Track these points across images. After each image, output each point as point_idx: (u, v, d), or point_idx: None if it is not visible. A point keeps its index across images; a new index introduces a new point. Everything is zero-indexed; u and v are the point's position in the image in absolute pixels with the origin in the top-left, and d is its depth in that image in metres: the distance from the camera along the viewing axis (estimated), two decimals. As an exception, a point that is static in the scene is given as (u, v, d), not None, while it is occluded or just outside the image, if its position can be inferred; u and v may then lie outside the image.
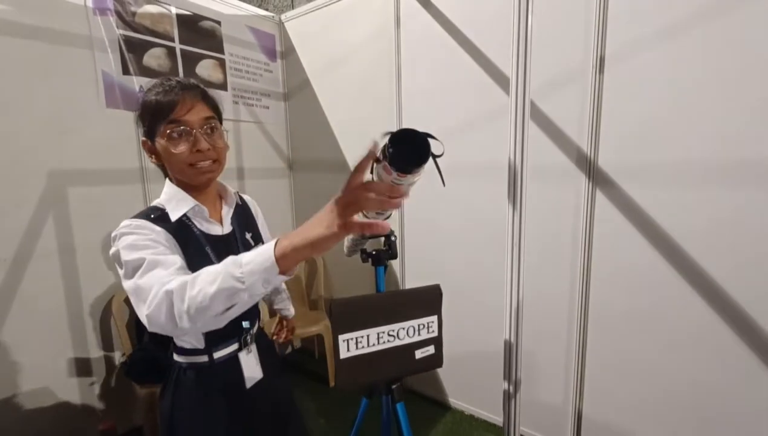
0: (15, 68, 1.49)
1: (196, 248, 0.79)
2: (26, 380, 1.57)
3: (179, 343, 0.83)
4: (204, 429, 0.84)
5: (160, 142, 0.76)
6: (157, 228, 0.74)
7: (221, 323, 0.58)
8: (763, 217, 1.19)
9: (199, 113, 0.76)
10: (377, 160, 0.50)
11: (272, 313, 1.26)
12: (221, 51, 2.17)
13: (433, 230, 1.96)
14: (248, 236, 0.91)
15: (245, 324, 0.88)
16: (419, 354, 0.90)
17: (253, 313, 0.91)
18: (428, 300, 0.92)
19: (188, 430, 0.84)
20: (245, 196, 1.00)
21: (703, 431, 1.36)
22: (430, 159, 0.51)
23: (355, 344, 0.84)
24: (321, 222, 0.49)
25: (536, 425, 1.75)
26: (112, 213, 1.69)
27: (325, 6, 2.19)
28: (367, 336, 0.85)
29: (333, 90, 2.28)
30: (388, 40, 1.95)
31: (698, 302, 1.32)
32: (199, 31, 2.06)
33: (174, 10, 1.94)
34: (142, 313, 0.61)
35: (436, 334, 0.92)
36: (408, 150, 0.48)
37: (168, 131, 0.74)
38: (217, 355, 0.84)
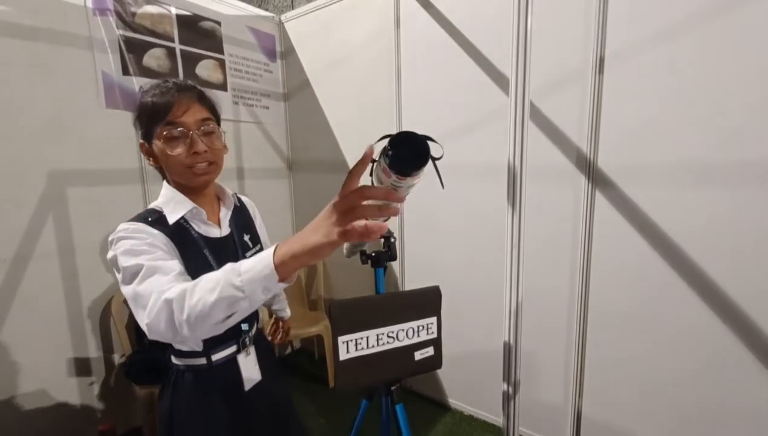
0: (15, 69, 1.49)
1: (194, 251, 0.78)
2: (26, 381, 1.58)
3: (177, 345, 0.83)
4: (203, 431, 0.84)
5: (157, 144, 0.76)
6: (155, 231, 0.73)
7: (221, 330, 0.58)
8: (762, 217, 1.19)
9: (195, 115, 0.75)
10: (373, 161, 0.50)
11: (272, 314, 1.26)
12: (221, 51, 2.17)
13: (433, 230, 1.96)
14: (246, 237, 0.91)
15: (244, 327, 0.88)
16: (418, 356, 0.90)
17: (251, 315, 0.91)
18: (428, 301, 0.92)
19: (187, 432, 0.84)
20: (243, 198, 0.99)
21: (703, 431, 1.36)
22: (430, 161, 0.51)
23: (354, 345, 0.84)
24: (319, 229, 0.48)
25: (536, 425, 1.75)
26: (112, 213, 1.70)
27: (325, 6, 2.19)
28: (367, 338, 0.85)
29: (333, 90, 2.28)
30: (388, 40, 1.95)
31: (697, 302, 1.32)
32: (199, 32, 2.06)
33: (174, 11, 1.94)
34: (142, 321, 0.60)
35: (435, 335, 0.92)
36: (407, 153, 0.48)
37: (164, 133, 0.74)
38: (215, 357, 0.84)
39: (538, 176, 1.55)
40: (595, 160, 1.46)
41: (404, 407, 1.05)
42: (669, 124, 1.31)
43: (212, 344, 0.82)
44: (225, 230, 0.86)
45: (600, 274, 1.51)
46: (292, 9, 2.49)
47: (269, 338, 1.23)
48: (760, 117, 1.17)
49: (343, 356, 0.83)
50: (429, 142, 0.49)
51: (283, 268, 0.51)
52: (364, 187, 0.46)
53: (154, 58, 1.89)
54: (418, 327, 0.90)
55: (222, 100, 2.20)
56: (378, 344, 0.86)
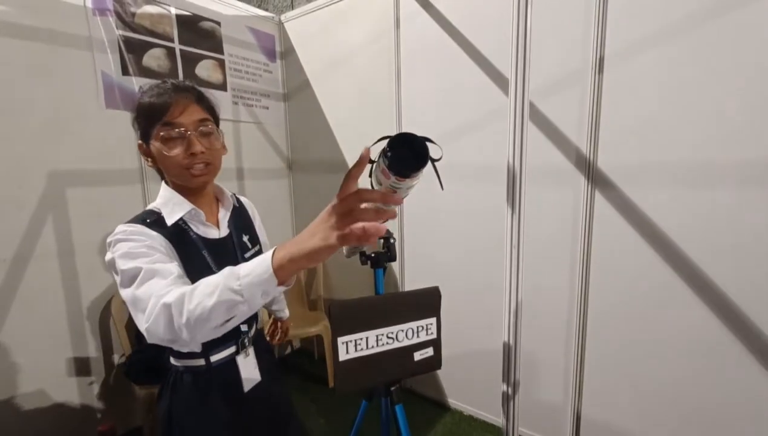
0: (15, 69, 1.49)
1: (193, 253, 0.78)
2: (26, 381, 1.58)
3: (175, 346, 0.83)
4: (202, 432, 0.84)
5: (155, 145, 0.75)
6: (153, 233, 0.73)
7: (220, 333, 0.58)
8: (761, 216, 1.19)
9: (192, 115, 0.75)
10: (372, 162, 0.50)
11: (270, 314, 1.26)
12: (221, 51, 2.17)
13: (433, 230, 1.97)
14: (245, 238, 0.91)
15: (243, 328, 0.87)
16: (418, 356, 0.90)
17: (251, 316, 0.90)
18: (427, 302, 0.92)
19: (186, 433, 0.84)
20: (242, 198, 0.99)
21: (702, 431, 1.36)
22: (429, 163, 0.51)
23: (354, 346, 0.84)
24: (316, 232, 0.48)
25: (535, 425, 1.75)
26: (112, 214, 1.70)
27: (325, 6, 2.19)
28: (366, 338, 0.85)
29: (333, 90, 2.28)
30: (387, 40, 1.95)
31: (697, 302, 1.32)
32: (198, 32, 2.06)
33: (173, 11, 1.94)
34: (141, 325, 0.60)
35: (435, 336, 0.92)
36: (406, 154, 0.48)
37: (161, 133, 0.74)
38: (214, 358, 0.83)
39: (538, 176, 1.55)
40: (595, 161, 1.46)
41: (404, 407, 1.05)
42: (669, 123, 1.31)
43: (211, 345, 0.82)
44: (224, 231, 0.86)
45: (600, 274, 1.51)
46: (292, 9, 2.49)
47: (268, 339, 1.22)
48: (760, 116, 1.17)
49: (342, 356, 0.83)
50: (428, 144, 0.49)
51: (281, 271, 0.51)
52: (362, 190, 0.46)
53: (153, 59, 1.88)
54: (417, 328, 0.90)
55: (222, 100, 2.22)
56: (378, 345, 0.86)
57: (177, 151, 0.74)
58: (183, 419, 0.83)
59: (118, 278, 0.68)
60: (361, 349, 0.84)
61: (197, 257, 0.79)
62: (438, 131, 1.83)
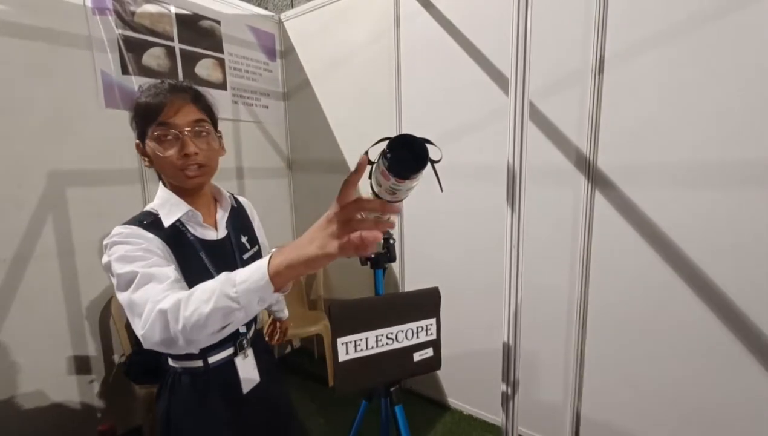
0: (14, 68, 1.49)
1: (191, 254, 0.78)
2: (26, 381, 1.58)
3: (172, 352, 0.82)
4: (200, 433, 0.83)
5: (149, 145, 0.75)
6: (150, 235, 0.73)
7: (216, 339, 0.58)
8: (761, 217, 1.19)
9: (187, 116, 0.74)
10: (372, 163, 0.50)
11: (270, 314, 1.26)
12: (221, 50, 2.16)
13: (433, 231, 1.96)
14: (244, 239, 0.90)
15: (241, 329, 0.87)
16: (417, 357, 0.90)
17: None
18: (427, 303, 0.92)
19: (184, 434, 0.83)
20: (241, 198, 0.99)
21: (702, 432, 1.37)
22: (428, 164, 0.51)
23: (354, 346, 0.84)
24: (314, 240, 0.48)
25: (535, 425, 1.76)
26: (112, 213, 1.70)
27: (325, 5, 2.19)
28: (366, 339, 0.85)
29: (333, 90, 2.28)
30: (388, 40, 1.95)
31: (697, 302, 1.32)
32: (198, 31, 2.06)
33: (173, 10, 1.94)
34: (138, 330, 0.60)
35: (434, 336, 0.92)
36: (406, 156, 0.48)
37: (156, 133, 0.74)
38: (211, 360, 0.83)
39: (538, 176, 1.54)
40: (595, 161, 1.46)
41: (403, 407, 1.05)
42: (668, 124, 1.31)
43: (208, 347, 0.81)
44: (222, 232, 0.86)
45: (599, 274, 1.51)
46: (292, 8, 2.49)
47: (267, 339, 1.22)
48: (760, 117, 1.17)
49: (342, 357, 0.83)
50: (428, 145, 0.49)
51: (278, 278, 0.51)
52: (361, 199, 0.46)
53: (153, 58, 1.88)
54: (417, 328, 0.90)
55: (221, 99, 2.23)
56: (377, 346, 0.86)
57: (171, 151, 0.74)
58: (181, 420, 0.83)
59: (114, 281, 0.67)
60: (361, 349, 0.84)
61: (195, 258, 0.78)
62: (438, 131, 1.82)
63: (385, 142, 0.50)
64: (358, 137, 2.19)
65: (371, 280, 1.09)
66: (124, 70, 1.78)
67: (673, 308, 1.36)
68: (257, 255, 0.92)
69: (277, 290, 0.52)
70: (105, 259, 0.70)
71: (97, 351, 1.78)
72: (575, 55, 1.45)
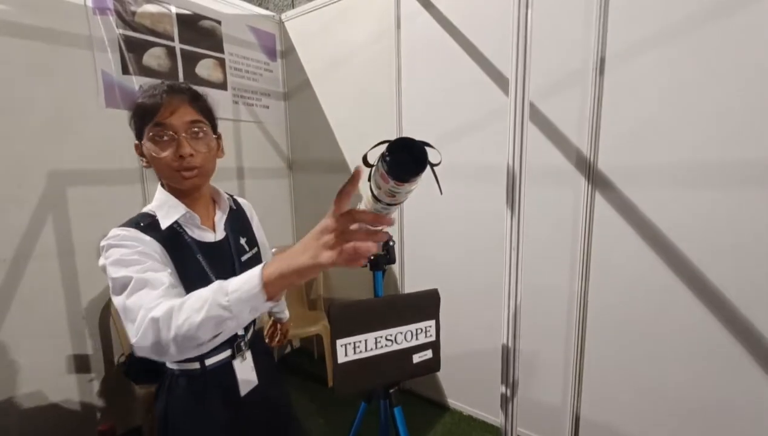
0: (15, 68, 1.49)
1: (188, 257, 0.78)
2: (26, 381, 1.58)
3: (165, 360, 0.82)
4: (198, 434, 0.83)
5: (146, 146, 0.75)
6: (146, 238, 0.72)
7: (208, 349, 0.58)
8: (762, 218, 1.19)
9: (183, 117, 0.74)
10: (371, 166, 0.50)
11: (270, 314, 1.25)
12: (221, 50, 2.16)
13: (433, 232, 1.96)
14: (243, 240, 0.90)
15: (239, 332, 0.86)
16: (417, 358, 0.90)
17: None
18: (426, 305, 0.92)
19: (182, 434, 0.83)
20: (240, 199, 0.98)
21: (702, 433, 1.36)
22: (428, 167, 0.51)
23: (353, 348, 0.84)
24: (307, 250, 0.48)
25: (535, 425, 1.76)
26: (112, 213, 1.69)
27: (326, 6, 2.19)
28: (365, 341, 0.85)
29: (333, 90, 2.28)
30: (388, 40, 1.95)
31: (697, 303, 1.32)
32: (199, 31, 2.06)
33: (174, 10, 1.94)
34: (131, 337, 0.60)
35: (434, 338, 0.92)
36: (405, 159, 0.48)
37: (151, 134, 0.73)
38: (209, 362, 0.82)
39: (538, 177, 1.54)
40: (595, 161, 1.46)
41: (403, 408, 1.05)
42: (669, 125, 1.30)
43: None
44: (220, 234, 0.85)
45: (599, 275, 1.51)
46: (293, 8, 2.49)
47: (267, 341, 1.21)
48: (760, 117, 1.16)
49: (341, 359, 0.83)
50: (427, 148, 0.49)
51: (270, 287, 0.51)
52: (354, 210, 0.46)
53: (154, 58, 1.88)
54: (416, 330, 0.90)
55: (222, 99, 2.23)
56: (376, 347, 0.86)
57: (167, 152, 0.73)
58: (179, 421, 0.83)
59: (110, 285, 0.67)
60: (360, 351, 0.84)
61: (192, 261, 0.78)
62: (438, 132, 1.82)
63: (385, 145, 0.50)
64: (359, 137, 2.19)
65: (371, 281, 1.09)
66: (125, 70, 1.78)
67: (673, 309, 1.36)
68: (256, 257, 0.92)
69: (269, 299, 0.52)
70: (101, 262, 0.70)
71: (97, 351, 1.78)
72: (576, 56, 1.44)
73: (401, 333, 0.88)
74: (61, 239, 1.64)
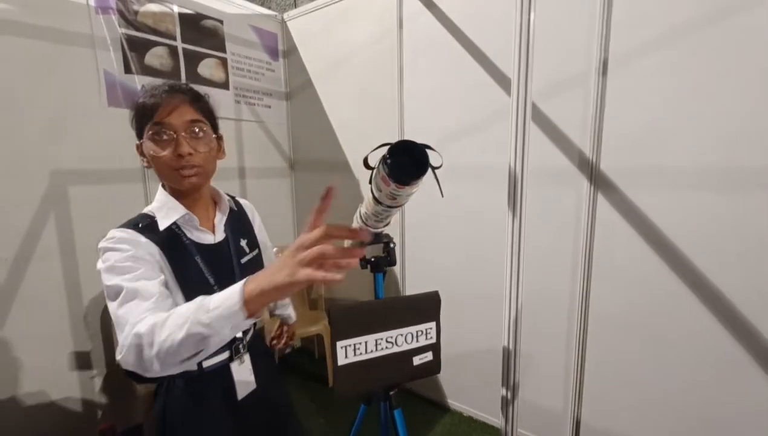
0: (17, 67, 1.49)
1: (186, 258, 0.77)
2: (27, 379, 1.58)
3: (150, 375, 0.82)
4: (196, 435, 0.83)
5: (146, 145, 0.75)
6: (143, 240, 0.73)
7: (192, 364, 0.58)
8: (766, 221, 1.18)
9: (183, 116, 0.74)
10: (372, 169, 0.50)
11: (271, 313, 1.25)
12: (223, 50, 2.16)
13: (433, 235, 1.96)
14: (243, 242, 0.89)
15: (238, 334, 0.86)
16: (417, 361, 0.90)
17: None
18: (427, 307, 0.91)
19: (180, 434, 0.83)
20: (242, 201, 0.98)
21: (703, 438, 1.36)
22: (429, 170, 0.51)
23: (353, 350, 0.84)
24: (284, 268, 0.49)
25: (535, 429, 1.75)
26: (114, 213, 1.70)
27: (328, 5, 2.19)
28: (366, 343, 0.84)
29: (335, 90, 2.28)
30: (390, 40, 1.94)
31: (700, 307, 1.31)
32: (201, 30, 2.06)
33: (176, 9, 1.94)
34: (116, 352, 0.61)
35: (434, 340, 0.92)
36: (407, 162, 0.48)
37: (151, 133, 0.74)
38: (206, 364, 0.82)
39: (540, 179, 1.53)
40: (598, 163, 1.45)
41: (403, 409, 1.05)
42: (672, 127, 1.30)
43: None
44: (219, 236, 0.85)
45: (601, 278, 1.50)
46: (295, 8, 2.49)
47: (274, 342, 1.20)
48: (765, 120, 1.15)
49: (341, 361, 0.83)
50: (428, 151, 0.49)
51: (251, 305, 0.52)
52: (329, 226, 0.47)
53: (156, 57, 1.88)
54: (417, 332, 0.89)
55: (224, 98, 2.22)
56: (377, 349, 0.86)
57: (166, 152, 0.73)
58: (176, 422, 0.83)
59: (105, 291, 0.68)
60: (361, 353, 0.84)
61: (190, 263, 0.78)
62: (440, 132, 1.82)
63: (386, 148, 0.50)
64: (360, 137, 2.19)
65: (371, 283, 1.08)
66: (127, 70, 1.79)
67: (677, 313, 1.35)
68: (256, 259, 0.92)
69: (249, 316, 0.52)
70: (99, 265, 0.72)
71: (98, 349, 1.78)
72: (578, 57, 1.44)
73: (402, 335, 0.88)
74: (63, 239, 1.64)
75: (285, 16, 2.43)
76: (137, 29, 1.81)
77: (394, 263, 0.95)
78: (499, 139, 1.65)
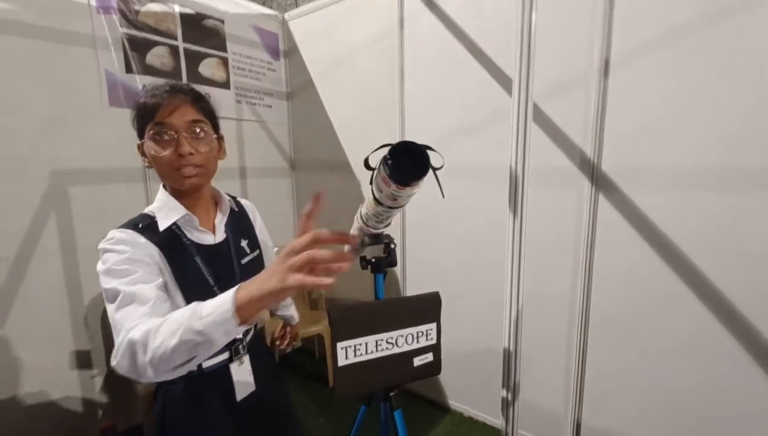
0: (18, 67, 1.50)
1: (185, 259, 0.77)
2: (28, 379, 1.58)
3: (144, 381, 0.82)
4: (195, 435, 0.83)
5: (147, 145, 0.75)
6: (142, 240, 0.73)
7: (186, 371, 0.58)
8: (766, 222, 1.17)
9: (184, 116, 0.74)
10: (372, 170, 0.50)
11: (272, 313, 1.24)
12: (224, 50, 2.16)
13: (434, 235, 1.96)
14: (244, 243, 0.89)
15: (238, 335, 0.86)
16: (417, 362, 0.89)
17: None
18: (427, 308, 0.91)
19: (179, 434, 0.83)
20: (243, 201, 0.98)
21: (703, 439, 1.35)
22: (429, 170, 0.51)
23: (353, 351, 0.84)
24: (274, 274, 0.49)
25: (536, 430, 1.75)
26: (114, 213, 1.70)
27: (329, 5, 2.18)
28: (366, 344, 0.84)
29: (336, 90, 2.28)
30: (391, 40, 1.94)
31: (702, 309, 1.30)
32: (202, 30, 2.06)
33: (177, 9, 1.94)
34: (111, 358, 0.61)
35: (434, 341, 0.92)
36: (407, 163, 0.47)
37: (152, 133, 0.74)
38: (206, 364, 0.82)
39: (541, 179, 1.53)
40: (599, 164, 1.45)
41: (403, 408, 1.05)
42: (672, 127, 1.29)
43: None
44: (220, 237, 0.85)
45: (602, 279, 1.50)
46: (296, 8, 2.49)
47: (277, 343, 1.20)
48: (765, 120, 1.15)
49: (342, 361, 0.83)
50: (429, 152, 0.49)
51: (243, 311, 0.52)
52: (318, 232, 0.47)
53: (157, 57, 1.88)
54: (417, 333, 0.89)
55: (225, 98, 2.22)
56: (377, 350, 0.86)
57: (167, 151, 0.73)
58: (176, 422, 0.82)
59: (103, 293, 0.68)
60: (361, 354, 0.84)
61: (190, 263, 0.78)
62: (440, 133, 1.82)
63: (386, 149, 0.49)
64: (361, 137, 2.19)
65: (372, 283, 1.08)
66: (128, 69, 1.79)
67: (678, 314, 1.35)
68: (257, 259, 0.92)
69: (242, 323, 0.53)
70: (98, 266, 0.72)
71: (99, 349, 1.78)
72: (580, 57, 1.43)
73: (402, 336, 0.88)
74: (64, 238, 1.64)
75: (286, 15, 2.43)
76: (138, 29, 1.81)
77: (394, 264, 0.94)
78: (500, 139, 1.65)
